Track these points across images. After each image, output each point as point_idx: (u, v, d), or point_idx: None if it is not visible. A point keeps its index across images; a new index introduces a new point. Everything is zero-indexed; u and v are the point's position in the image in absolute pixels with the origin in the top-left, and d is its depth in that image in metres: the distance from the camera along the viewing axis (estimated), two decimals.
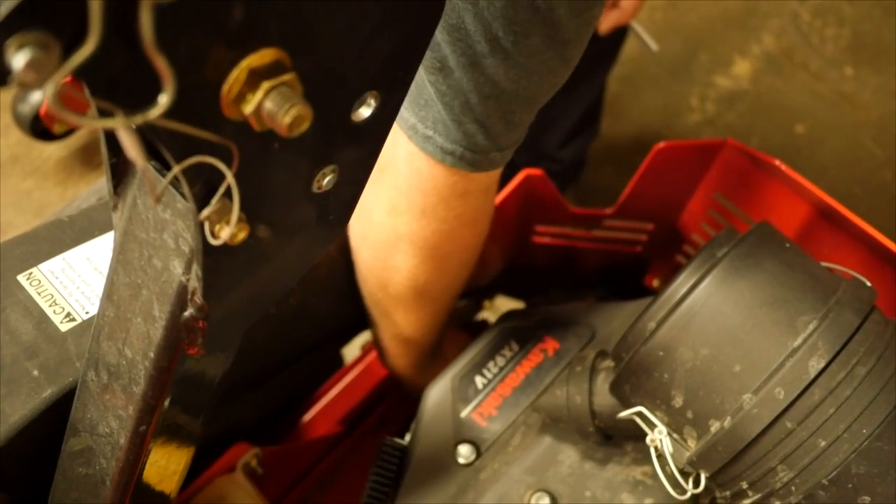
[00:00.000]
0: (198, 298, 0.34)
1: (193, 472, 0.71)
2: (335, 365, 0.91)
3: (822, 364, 0.43)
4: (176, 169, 0.26)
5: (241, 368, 0.67)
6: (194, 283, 0.33)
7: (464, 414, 0.65)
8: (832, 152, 1.73)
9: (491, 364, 0.67)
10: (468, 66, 0.45)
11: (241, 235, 0.30)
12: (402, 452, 0.64)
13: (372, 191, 0.58)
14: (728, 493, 0.48)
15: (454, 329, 0.85)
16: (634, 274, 0.96)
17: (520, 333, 0.68)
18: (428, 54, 0.46)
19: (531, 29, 0.43)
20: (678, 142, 0.70)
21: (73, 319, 0.52)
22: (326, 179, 0.34)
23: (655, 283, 0.94)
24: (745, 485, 0.46)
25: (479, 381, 0.66)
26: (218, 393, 0.46)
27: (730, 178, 0.72)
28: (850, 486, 0.43)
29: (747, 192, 0.71)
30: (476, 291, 0.96)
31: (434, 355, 0.77)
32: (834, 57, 1.89)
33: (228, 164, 0.27)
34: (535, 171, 0.75)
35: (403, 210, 0.56)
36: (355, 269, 0.67)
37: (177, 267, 0.34)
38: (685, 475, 0.49)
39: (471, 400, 0.65)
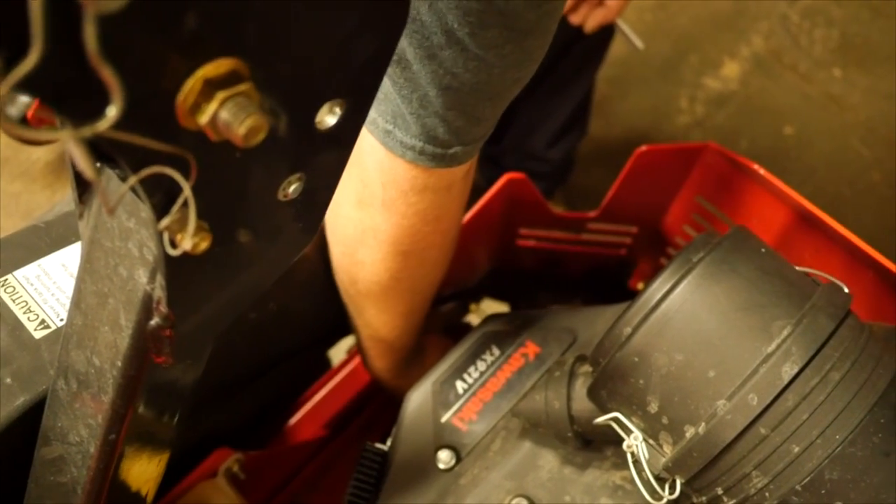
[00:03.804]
0: (163, 307, 0.33)
1: (175, 478, 0.71)
2: (321, 368, 0.91)
3: (796, 370, 0.43)
4: (131, 181, 0.26)
5: (221, 373, 0.67)
6: (159, 293, 0.33)
7: (444, 419, 0.64)
8: (820, 154, 1.74)
9: (472, 368, 0.67)
10: (425, 58, 0.45)
11: (203, 245, 0.30)
12: (383, 457, 0.64)
13: (340, 184, 0.58)
14: (704, 498, 0.48)
15: (436, 333, 0.85)
16: (619, 277, 0.96)
17: (501, 338, 0.68)
18: None
19: (487, 20, 0.42)
20: (659, 146, 0.70)
21: (48, 326, 0.51)
22: (292, 188, 0.34)
23: (640, 285, 0.94)
24: (720, 490, 0.46)
25: (460, 385, 0.66)
26: (192, 399, 0.45)
27: (712, 181, 0.72)
28: (823, 492, 0.43)
29: (729, 196, 0.72)
30: (462, 294, 0.96)
31: (414, 359, 0.77)
32: (822, 58, 1.90)
33: (187, 174, 0.27)
34: (517, 175, 0.75)
35: (367, 203, 0.56)
36: (331, 265, 0.66)
37: (142, 276, 0.33)
38: (661, 481, 0.49)
39: (451, 405, 0.65)
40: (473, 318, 1.00)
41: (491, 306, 0.97)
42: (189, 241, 0.28)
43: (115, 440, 0.40)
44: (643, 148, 0.70)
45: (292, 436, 0.88)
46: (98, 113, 0.22)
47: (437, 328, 0.90)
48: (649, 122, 1.78)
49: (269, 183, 0.32)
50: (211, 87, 0.25)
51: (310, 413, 0.88)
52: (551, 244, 0.89)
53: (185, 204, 0.28)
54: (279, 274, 0.38)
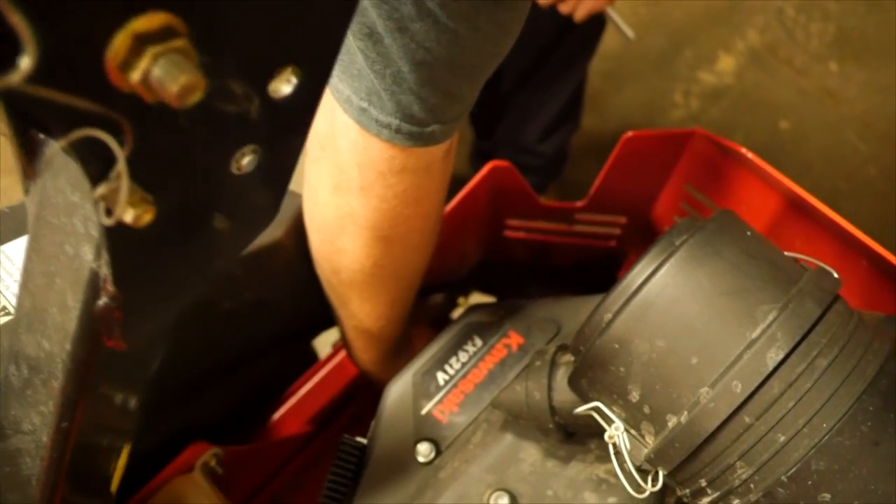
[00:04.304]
0: (109, 286, 0.32)
1: (149, 473, 0.69)
2: (306, 362, 0.89)
3: (781, 355, 0.41)
4: (59, 144, 0.24)
5: (195, 363, 0.65)
6: (105, 270, 0.31)
7: (424, 411, 0.63)
8: (817, 148, 1.72)
9: (453, 360, 0.65)
10: (396, 31, 0.43)
11: (147, 218, 0.28)
12: (361, 451, 0.62)
13: (316, 169, 0.56)
14: (687, 491, 0.46)
15: (423, 326, 0.83)
16: (609, 268, 0.94)
17: (484, 328, 0.66)
18: (356, 20, 0.44)
19: None
20: (646, 131, 0.68)
21: (10, 313, 0.50)
22: (246, 160, 0.32)
23: None
24: (703, 482, 0.44)
25: (441, 377, 0.64)
26: (155, 387, 0.44)
27: (700, 168, 0.70)
28: (809, 482, 0.41)
29: (718, 183, 0.70)
30: (450, 287, 0.94)
31: (400, 351, 0.75)
32: (818, 52, 1.88)
33: (122, 139, 0.25)
34: (501, 163, 0.74)
35: (345, 188, 0.54)
36: (311, 254, 0.65)
37: (87, 253, 0.32)
38: (644, 473, 0.47)
39: (432, 396, 0.63)
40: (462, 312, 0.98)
41: (479, 300, 0.96)
42: (124, 211, 0.26)
43: (67, 428, 0.38)
44: (630, 134, 0.69)
45: (276, 431, 0.87)
46: (9, 65, 0.21)
47: (424, 320, 0.88)
48: (643, 117, 1.76)
49: (220, 154, 0.31)
50: (142, 42, 0.23)
51: (294, 407, 0.86)
52: (539, 235, 0.88)
53: (127, 173, 0.27)
54: (238, 253, 0.37)
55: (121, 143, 0.25)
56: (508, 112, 1.32)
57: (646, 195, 0.78)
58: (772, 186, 0.64)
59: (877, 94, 1.81)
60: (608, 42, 1.27)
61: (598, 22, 1.18)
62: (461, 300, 0.99)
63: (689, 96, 1.80)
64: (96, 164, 0.26)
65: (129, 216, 0.28)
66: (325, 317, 0.74)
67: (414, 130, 0.49)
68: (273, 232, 0.62)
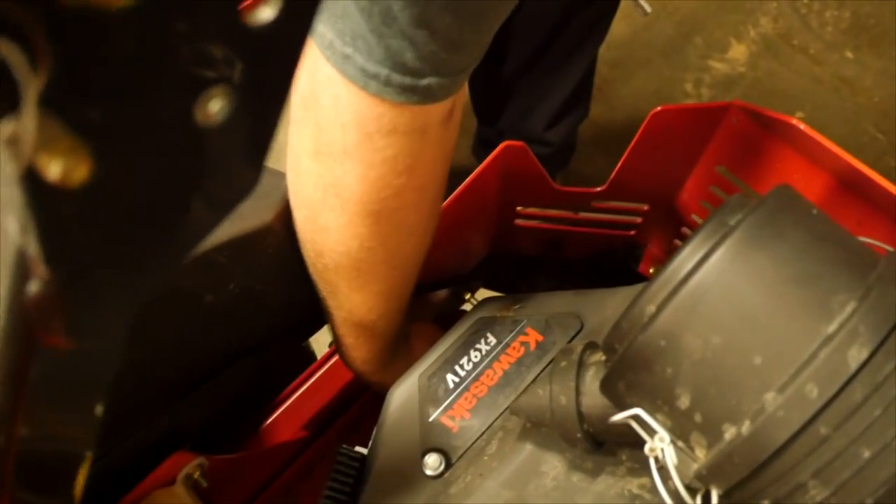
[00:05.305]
0: (40, 268, 0.25)
1: (127, 484, 0.63)
2: (302, 362, 0.83)
3: (866, 354, 0.35)
4: None
5: (176, 364, 0.58)
6: (34, 247, 0.24)
7: (432, 418, 0.56)
8: (833, 139, 1.63)
9: (465, 360, 0.58)
10: None
11: (80, 174, 0.22)
12: (361, 462, 0.56)
13: (297, 134, 0.49)
14: None
15: (425, 321, 0.77)
16: (628, 261, 0.87)
17: (498, 324, 0.59)
18: None
19: None
20: (677, 105, 0.61)
21: None
22: (215, 106, 0.25)
23: (652, 271, 0.85)
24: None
25: (451, 379, 0.57)
26: (126, 390, 0.37)
27: (735, 147, 0.64)
28: None
29: (755, 164, 0.63)
30: (454, 282, 0.87)
31: (396, 351, 0.68)
32: (834, 40, 1.82)
33: (34, 58, 0.18)
34: (515, 143, 0.67)
35: (326, 152, 0.47)
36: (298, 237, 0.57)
37: (11, 224, 0.25)
38: (692, 491, 0.40)
39: (441, 401, 0.57)
40: (468, 309, 0.92)
41: (487, 296, 0.89)
42: (43, 161, 0.20)
43: (6, 442, 0.31)
44: (658, 108, 0.62)
45: (268, 438, 0.81)
46: None
47: (426, 317, 0.82)
48: (653, 107, 1.68)
49: (180, 95, 0.24)
50: None
51: (288, 412, 0.80)
52: (553, 224, 0.81)
53: (48, 108, 0.20)
54: (211, 229, 0.30)
55: (33, 65, 0.18)
56: (513, 97, 1.25)
57: (672, 179, 0.71)
58: (820, 165, 0.57)
59: (894, 82, 1.74)
60: (616, 29, 1.21)
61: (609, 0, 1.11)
62: (467, 297, 0.92)
63: (699, 85, 1.74)
64: (3, 91, 0.19)
65: (53, 169, 0.21)
66: (322, 311, 0.67)
67: (406, 83, 0.42)
68: (261, 215, 0.55)
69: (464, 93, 0.51)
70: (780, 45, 1.81)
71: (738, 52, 1.80)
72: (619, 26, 1.73)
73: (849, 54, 1.80)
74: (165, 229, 0.27)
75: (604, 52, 1.26)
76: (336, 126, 0.45)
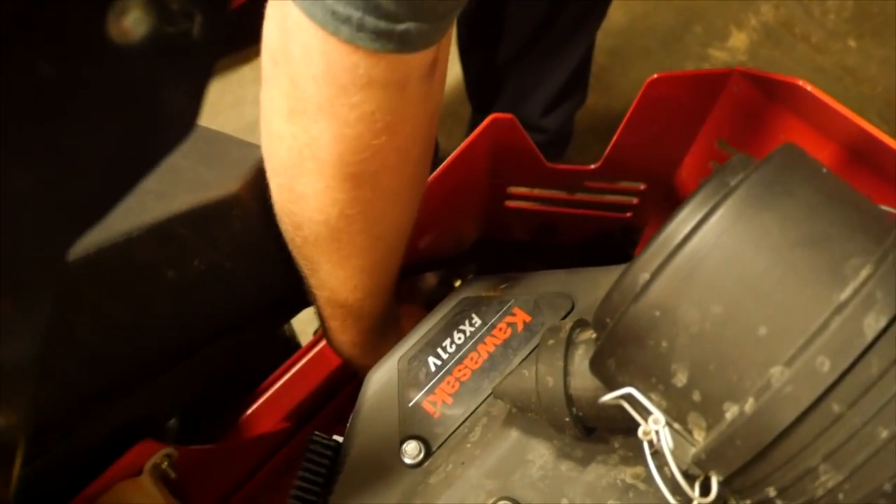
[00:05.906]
0: None
1: (91, 474, 0.59)
2: (286, 351, 0.79)
3: (883, 323, 0.31)
4: None
5: (136, 345, 0.54)
6: None
7: (412, 403, 0.52)
8: None
9: (447, 342, 0.55)
10: None
11: None
12: (335, 451, 0.52)
13: (269, 93, 0.45)
14: (748, 501, 0.35)
15: (414, 305, 0.73)
16: (625, 245, 0.84)
17: (484, 304, 0.56)
18: None
19: None
20: (674, 73, 0.58)
21: None
22: (130, 18, 0.21)
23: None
24: (772, 491, 0.34)
25: (433, 362, 0.54)
26: (83, 372, 0.33)
27: (737, 118, 0.60)
28: None
29: (758, 136, 0.59)
30: (443, 265, 0.84)
31: (385, 332, 0.64)
32: (836, 28, 1.78)
33: None
34: (504, 116, 0.63)
35: (300, 110, 0.44)
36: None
37: None
38: (690, 478, 0.37)
39: (422, 386, 0.53)
40: None
41: None
42: None
43: None
44: (655, 76, 0.58)
45: (248, 429, 0.77)
46: None
47: (416, 301, 0.78)
48: None
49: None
50: None
51: (269, 402, 0.77)
52: (545, 206, 0.77)
53: None
54: (137, 181, 0.26)
55: None
56: (509, 82, 1.21)
57: (670, 155, 0.68)
58: (828, 134, 0.53)
59: None
60: (614, 16, 1.17)
61: None
62: (457, 282, 0.89)
63: None
64: None
65: None
66: (301, 291, 0.64)
67: (381, 27, 0.38)
68: (227, 184, 0.51)
69: (448, 45, 0.47)
70: (781, 34, 1.77)
71: (739, 40, 1.76)
72: (618, 14, 1.69)
73: (852, 43, 1.76)
74: (63, 166, 0.24)
75: (602, 40, 1.23)
76: (308, 79, 0.42)
